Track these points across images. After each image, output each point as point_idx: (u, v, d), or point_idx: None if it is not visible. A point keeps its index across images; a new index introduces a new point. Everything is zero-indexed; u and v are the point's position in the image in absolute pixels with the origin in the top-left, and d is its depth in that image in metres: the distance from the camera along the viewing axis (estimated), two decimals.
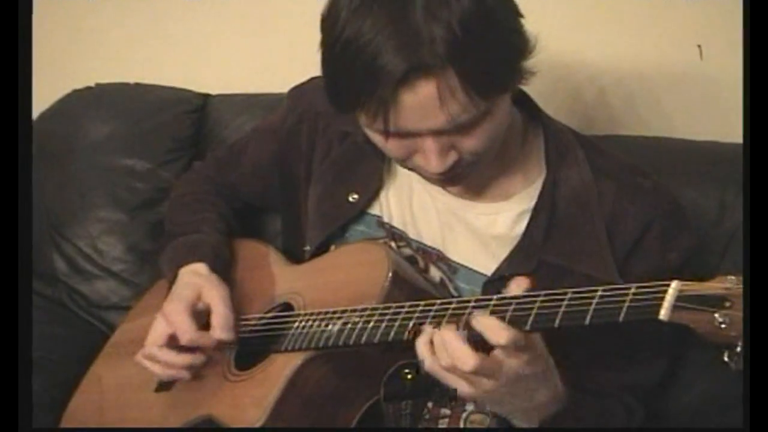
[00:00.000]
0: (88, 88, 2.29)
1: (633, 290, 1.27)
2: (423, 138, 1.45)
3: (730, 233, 1.78)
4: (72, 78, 2.32)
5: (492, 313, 1.36)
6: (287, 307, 1.65)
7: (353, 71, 1.40)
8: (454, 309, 1.41)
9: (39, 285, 2.18)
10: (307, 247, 1.72)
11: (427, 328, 1.41)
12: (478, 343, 1.36)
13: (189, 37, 2.40)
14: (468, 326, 1.37)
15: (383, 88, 1.38)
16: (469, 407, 1.63)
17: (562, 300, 1.32)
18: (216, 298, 1.65)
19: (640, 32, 2.03)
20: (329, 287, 1.61)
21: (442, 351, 1.37)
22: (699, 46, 1.96)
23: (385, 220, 1.68)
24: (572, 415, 1.48)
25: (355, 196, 1.69)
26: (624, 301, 1.27)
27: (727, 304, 1.20)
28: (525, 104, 1.65)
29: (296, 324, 1.57)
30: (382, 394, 1.54)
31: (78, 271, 2.17)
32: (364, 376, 1.53)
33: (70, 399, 1.86)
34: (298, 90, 1.82)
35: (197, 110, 2.25)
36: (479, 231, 1.62)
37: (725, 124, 1.91)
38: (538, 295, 1.34)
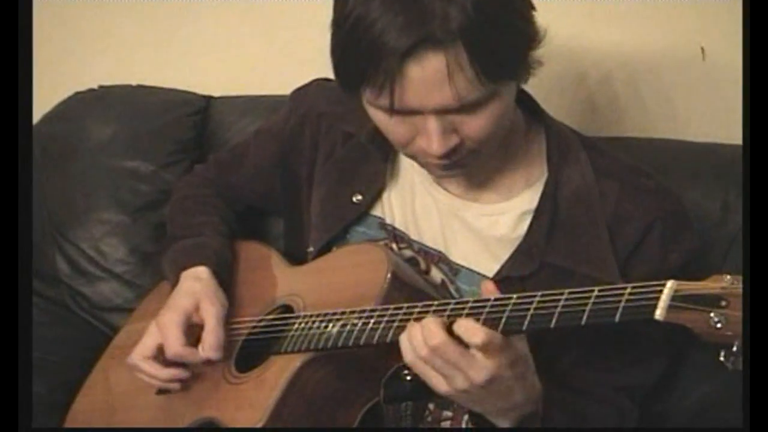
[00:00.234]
0: (91, 90, 2.29)
1: (629, 290, 1.27)
2: (426, 117, 1.44)
3: (733, 234, 1.77)
4: (75, 80, 2.32)
5: (488, 314, 1.37)
6: (287, 308, 1.65)
7: (360, 46, 1.39)
8: (452, 310, 1.40)
9: (41, 286, 2.18)
10: (311, 249, 1.72)
11: (411, 325, 1.41)
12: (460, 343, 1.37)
13: (192, 39, 2.40)
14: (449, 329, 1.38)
15: (390, 59, 1.37)
16: None
17: (559, 300, 1.32)
18: (211, 314, 1.64)
19: (644, 32, 2.03)
20: (329, 289, 1.61)
21: (419, 339, 1.37)
22: (702, 48, 1.96)
23: (387, 221, 1.68)
24: (554, 416, 1.48)
25: (359, 197, 1.69)
26: (620, 301, 1.27)
27: (723, 303, 1.20)
28: (527, 104, 1.65)
29: (296, 326, 1.57)
30: (381, 396, 1.53)
31: (80, 273, 2.17)
32: (364, 378, 1.53)
33: (72, 401, 1.86)
34: (301, 92, 1.82)
35: (200, 112, 2.25)
36: (481, 232, 1.62)
37: (728, 125, 1.90)
38: (535, 296, 1.34)
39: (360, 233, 1.69)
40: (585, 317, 1.29)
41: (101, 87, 2.30)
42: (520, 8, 1.45)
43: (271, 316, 1.66)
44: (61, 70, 2.45)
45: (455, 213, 1.63)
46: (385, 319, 1.46)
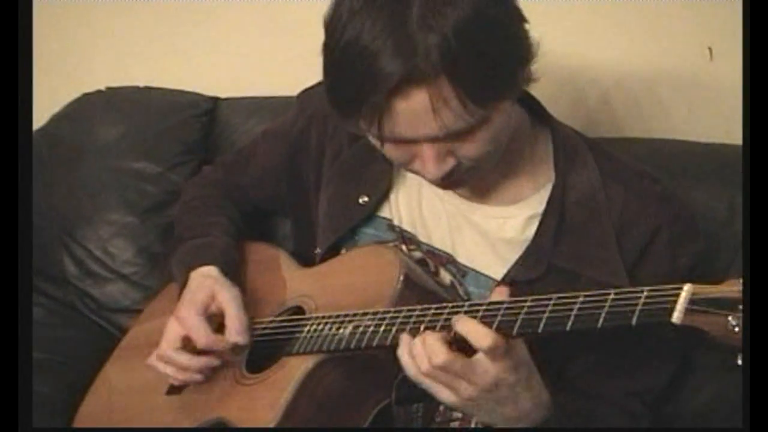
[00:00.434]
0: (99, 92, 2.30)
1: (645, 293, 1.27)
2: (420, 144, 1.45)
3: (740, 234, 1.77)
4: (82, 82, 2.32)
5: (503, 316, 1.37)
6: (298, 310, 1.65)
7: (351, 74, 1.40)
8: (465, 312, 1.40)
9: (49, 288, 2.18)
10: (318, 250, 1.72)
11: (405, 337, 1.41)
12: (461, 349, 1.37)
13: (199, 40, 2.40)
14: (452, 331, 1.38)
15: (377, 95, 1.38)
16: None
17: (574, 303, 1.32)
18: (229, 301, 1.65)
19: (646, 34, 2.03)
20: (340, 290, 1.61)
21: (421, 356, 1.38)
22: (709, 48, 1.96)
23: (395, 222, 1.68)
24: (565, 421, 1.48)
25: (365, 198, 1.69)
26: (636, 305, 1.27)
27: (741, 307, 1.20)
28: (533, 108, 1.65)
29: (307, 327, 1.57)
30: (393, 397, 1.54)
31: (88, 274, 2.17)
32: (375, 380, 1.53)
33: (80, 402, 1.86)
34: (308, 93, 1.82)
35: (207, 113, 2.25)
36: (488, 234, 1.62)
37: (733, 125, 1.90)
38: (550, 299, 1.35)
39: (369, 235, 1.69)
40: (601, 320, 1.29)
41: (109, 88, 2.30)
42: (507, 25, 1.44)
43: (281, 318, 1.66)
44: (68, 72, 2.46)
45: (463, 215, 1.64)
46: (398, 321, 1.46)
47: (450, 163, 1.47)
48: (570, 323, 1.31)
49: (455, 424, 1.63)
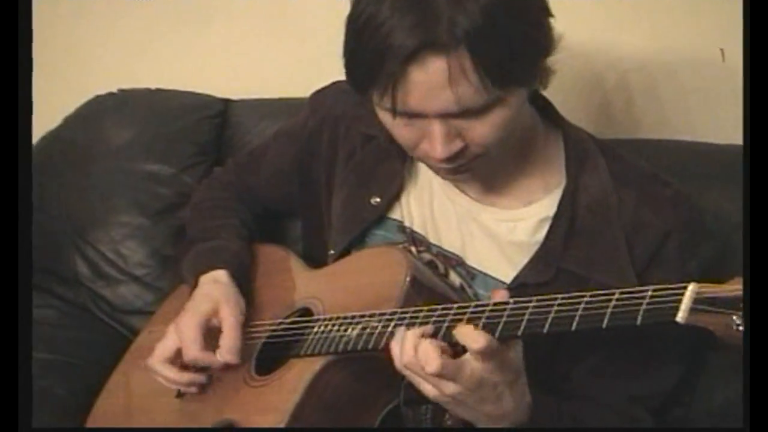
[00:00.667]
0: (111, 94, 2.30)
1: (650, 293, 1.27)
2: (430, 120, 1.44)
3: None
4: (94, 84, 2.32)
5: (509, 317, 1.37)
6: (306, 311, 1.65)
7: (370, 43, 1.40)
8: (471, 313, 1.40)
9: (62, 289, 2.18)
10: (332, 252, 1.72)
11: (399, 330, 1.42)
12: (449, 346, 1.38)
13: (210, 42, 2.40)
14: (447, 334, 1.39)
15: (394, 61, 1.38)
16: None
17: (579, 303, 1.32)
18: (229, 319, 1.65)
19: (659, 35, 2.03)
20: (348, 292, 1.61)
21: (410, 348, 1.38)
22: (721, 49, 1.95)
23: (406, 224, 1.67)
24: (565, 425, 1.48)
25: (377, 199, 1.69)
26: (641, 304, 1.26)
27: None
28: (545, 109, 1.64)
29: (315, 329, 1.57)
30: (401, 399, 1.54)
31: (101, 276, 2.18)
32: (384, 381, 1.53)
33: (93, 403, 1.86)
34: (320, 94, 1.82)
35: (218, 115, 2.26)
36: (498, 237, 1.61)
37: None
38: (556, 299, 1.34)
39: (379, 236, 1.69)
40: (606, 320, 1.28)
41: (120, 90, 2.30)
42: (534, 15, 1.44)
43: (290, 319, 1.66)
44: (80, 74, 2.46)
45: (473, 217, 1.63)
46: (406, 321, 1.46)
47: (458, 144, 1.46)
48: (575, 323, 1.31)
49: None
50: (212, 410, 1.65)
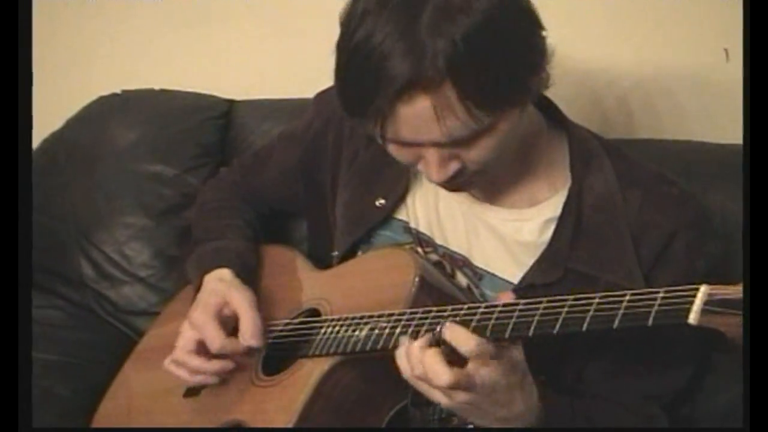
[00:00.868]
0: (114, 95, 2.30)
1: (662, 294, 1.26)
2: (424, 147, 1.45)
3: None
4: (98, 85, 2.33)
5: (519, 317, 1.37)
6: (314, 312, 1.65)
7: (359, 74, 1.40)
8: (481, 314, 1.40)
9: (66, 290, 2.19)
10: (335, 252, 1.72)
11: (404, 340, 1.42)
12: (453, 355, 1.37)
13: (214, 43, 2.40)
14: (442, 340, 1.38)
15: (382, 98, 1.38)
16: None
17: (591, 304, 1.32)
18: (243, 303, 1.65)
19: (662, 36, 2.03)
20: (356, 292, 1.61)
21: (417, 362, 1.38)
22: (725, 49, 1.95)
23: (412, 225, 1.68)
24: (579, 425, 1.48)
25: (382, 200, 1.69)
26: (652, 306, 1.26)
27: None
28: (549, 110, 1.64)
29: (323, 329, 1.57)
30: (409, 399, 1.54)
31: (105, 277, 2.18)
32: (392, 382, 1.52)
33: (98, 404, 1.87)
34: (324, 95, 1.81)
35: (223, 116, 2.26)
36: (505, 237, 1.62)
37: None
38: (567, 300, 1.34)
39: (385, 237, 1.69)
40: (617, 321, 1.28)
41: (124, 91, 2.31)
42: (522, 33, 1.43)
43: (297, 320, 1.66)
44: (83, 75, 2.46)
45: (479, 217, 1.63)
46: (414, 322, 1.46)
47: (454, 167, 1.47)
48: (586, 324, 1.31)
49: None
50: (220, 410, 1.65)
